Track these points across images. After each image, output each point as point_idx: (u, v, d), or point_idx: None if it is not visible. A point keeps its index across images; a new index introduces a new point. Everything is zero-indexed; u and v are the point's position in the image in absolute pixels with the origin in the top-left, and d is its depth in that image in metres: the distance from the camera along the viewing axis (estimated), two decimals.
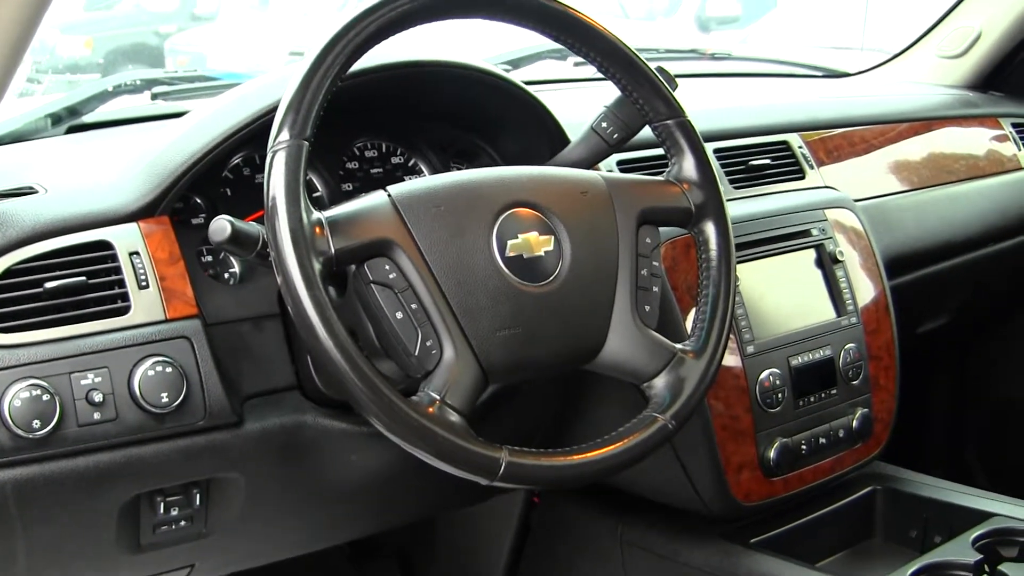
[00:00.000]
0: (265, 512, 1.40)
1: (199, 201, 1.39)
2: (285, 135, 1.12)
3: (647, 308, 1.27)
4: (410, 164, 1.57)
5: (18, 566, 1.28)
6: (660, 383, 1.26)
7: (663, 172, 1.36)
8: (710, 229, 1.34)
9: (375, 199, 1.18)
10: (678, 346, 1.28)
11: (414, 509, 1.67)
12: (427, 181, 1.23)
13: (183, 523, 1.34)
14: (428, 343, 1.15)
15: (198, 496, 1.33)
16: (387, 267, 1.15)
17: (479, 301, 1.18)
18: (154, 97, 1.85)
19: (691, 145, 1.34)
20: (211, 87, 1.91)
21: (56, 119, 1.76)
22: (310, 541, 1.57)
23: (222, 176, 1.42)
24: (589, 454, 1.19)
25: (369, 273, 1.15)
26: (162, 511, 1.31)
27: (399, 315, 1.15)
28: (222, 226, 1.15)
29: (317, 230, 1.12)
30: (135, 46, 8.64)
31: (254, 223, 1.18)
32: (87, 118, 1.78)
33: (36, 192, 1.33)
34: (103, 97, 1.83)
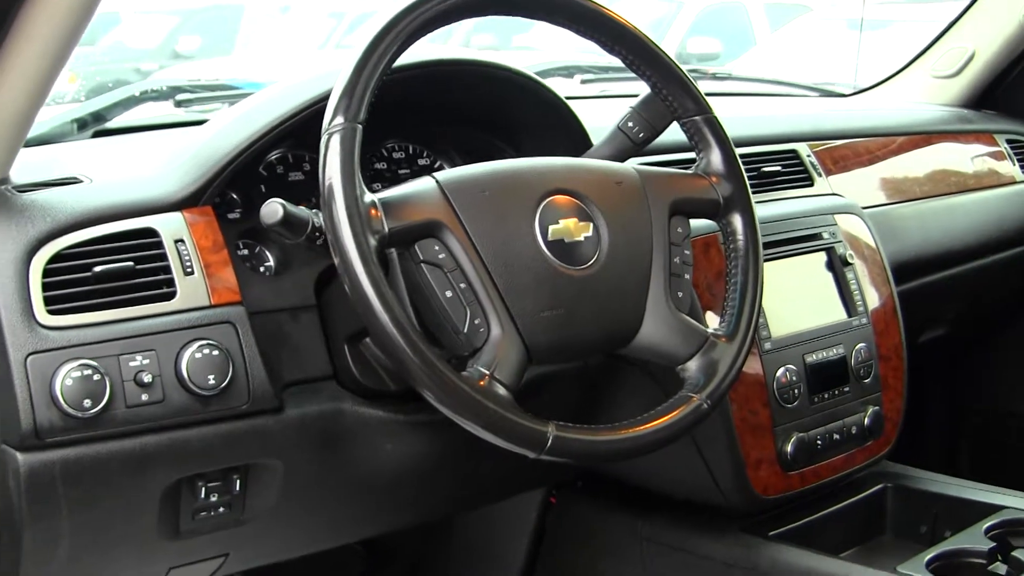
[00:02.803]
0: (300, 501, 1.43)
1: (235, 196, 1.43)
2: (340, 119, 1.16)
3: (680, 294, 1.32)
4: (435, 166, 1.62)
5: (60, 549, 1.29)
6: (694, 366, 1.30)
7: (691, 166, 1.41)
8: (737, 220, 1.38)
9: (424, 183, 1.23)
10: (710, 330, 1.33)
11: (443, 503, 1.69)
12: (471, 168, 1.27)
13: (221, 509, 1.36)
14: (476, 321, 1.19)
15: (238, 482, 1.35)
16: (436, 248, 1.19)
17: (524, 282, 1.21)
18: (177, 104, 1.89)
19: (718, 140, 1.39)
20: (232, 95, 1.96)
21: (82, 124, 1.80)
22: (341, 533, 1.59)
23: (258, 172, 1.46)
24: (630, 430, 1.23)
25: (420, 253, 1.19)
26: (203, 496, 1.33)
27: (449, 294, 1.19)
28: (274, 209, 1.19)
29: (372, 211, 1.16)
30: (117, 82, 8.69)
31: (303, 208, 1.22)
32: (112, 123, 1.82)
33: (81, 182, 1.36)
34: (129, 103, 1.88)
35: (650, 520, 1.74)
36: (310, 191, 1.42)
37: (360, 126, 1.17)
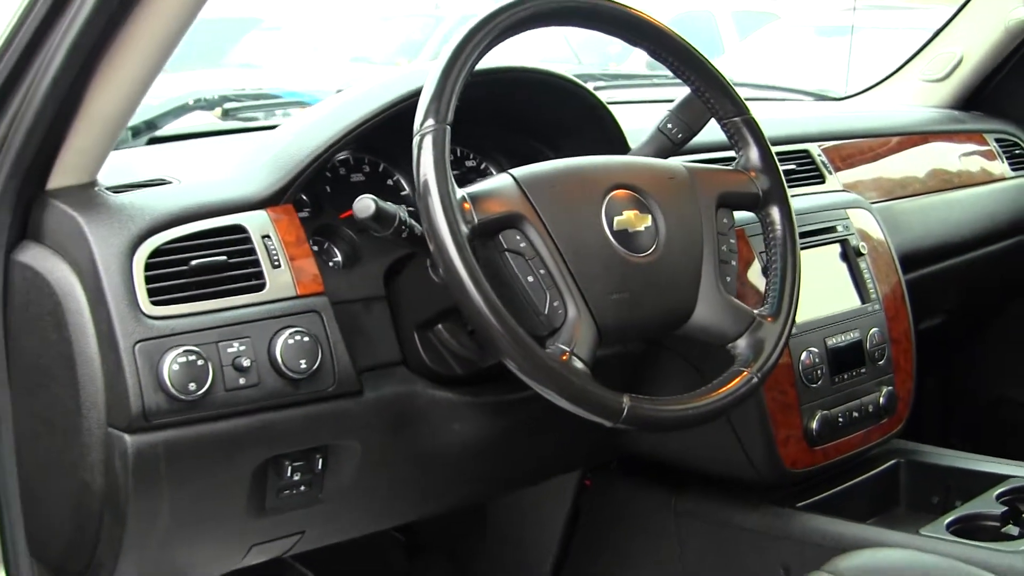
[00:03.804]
0: (374, 480, 1.53)
1: (304, 196, 1.53)
2: (431, 121, 1.27)
3: (728, 279, 1.44)
4: (481, 167, 1.73)
5: (159, 525, 1.39)
6: (743, 343, 1.42)
7: (732, 163, 1.53)
8: (776, 211, 1.50)
9: (502, 180, 1.34)
10: (756, 311, 1.45)
11: (497, 482, 1.80)
12: (543, 166, 1.38)
13: (302, 488, 1.46)
14: (555, 304, 1.30)
15: (320, 461, 1.45)
16: (518, 237, 1.30)
17: (594, 269, 1.33)
18: (224, 112, 1.99)
19: (756, 139, 1.51)
20: (274, 104, 2.07)
21: (136, 131, 1.88)
22: (406, 511, 1.70)
23: (324, 174, 1.56)
24: (693, 402, 1.35)
25: (503, 242, 1.30)
26: (288, 474, 1.43)
27: (530, 279, 1.30)
28: (367, 204, 1.30)
29: (464, 204, 1.27)
30: None
31: (391, 204, 1.33)
32: (164, 131, 1.92)
33: (170, 183, 1.46)
34: (179, 112, 1.97)
35: (685, 496, 1.86)
36: (369, 191, 1.53)
37: (448, 127, 1.28)
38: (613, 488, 1.99)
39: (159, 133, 1.90)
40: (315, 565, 2.04)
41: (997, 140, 2.56)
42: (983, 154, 2.52)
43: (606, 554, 2.01)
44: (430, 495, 1.68)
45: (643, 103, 2.26)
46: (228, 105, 1.99)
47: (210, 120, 2.01)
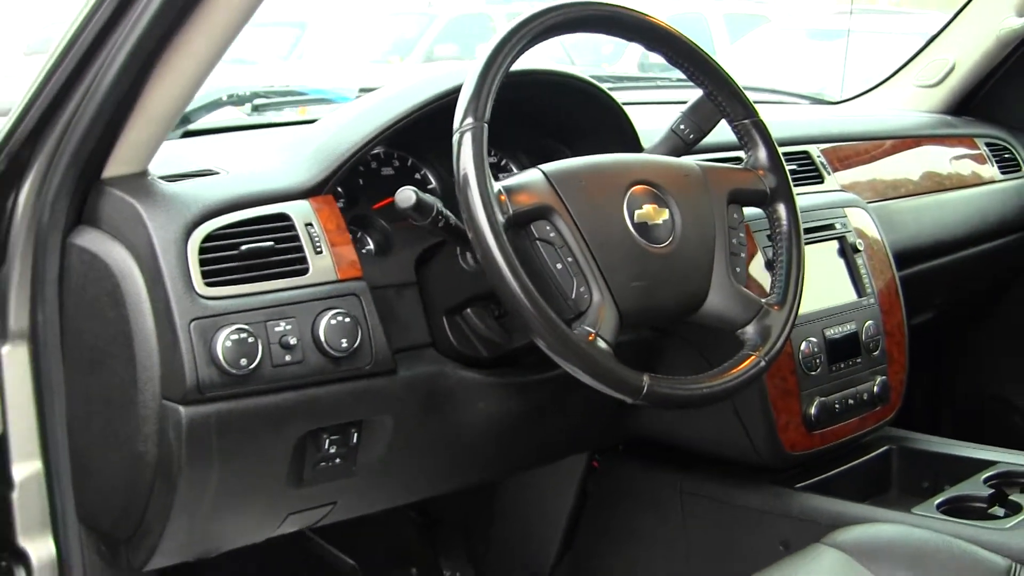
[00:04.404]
0: (403, 455, 1.63)
1: (339, 188, 1.63)
2: (470, 119, 1.37)
3: (738, 270, 1.54)
4: (502, 163, 1.83)
5: (207, 493, 1.48)
6: (751, 329, 1.53)
7: (742, 162, 1.64)
8: (782, 208, 1.61)
9: (533, 174, 1.44)
10: (764, 300, 1.55)
11: (516, 460, 1.90)
12: (570, 162, 1.49)
13: (337, 461, 1.55)
14: (581, 289, 1.40)
15: (355, 435, 1.55)
16: (548, 228, 1.41)
17: (617, 258, 1.43)
18: (254, 108, 2.09)
19: (764, 140, 1.62)
20: (301, 100, 2.16)
21: None
22: (432, 485, 1.80)
23: (357, 168, 1.66)
24: (707, 382, 1.46)
25: (535, 232, 1.40)
26: (325, 447, 1.53)
27: (559, 266, 1.40)
28: (408, 195, 1.40)
29: (501, 196, 1.37)
30: None
31: (429, 195, 1.43)
32: (197, 125, 2.01)
33: (218, 174, 1.56)
34: (212, 107, 2.06)
35: (690, 476, 1.97)
36: (399, 184, 1.63)
37: (486, 124, 1.38)
38: (620, 469, 2.09)
39: (192, 127, 1.99)
40: (334, 542, 2.15)
41: (987, 144, 2.69)
42: (974, 158, 2.64)
43: (613, 531, 2.11)
44: (452, 471, 1.78)
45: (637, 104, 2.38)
46: (258, 101, 2.08)
47: (238, 115, 2.10)
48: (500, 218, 1.35)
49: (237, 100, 2.08)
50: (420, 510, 2.26)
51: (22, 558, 1.60)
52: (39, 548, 1.60)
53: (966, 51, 2.70)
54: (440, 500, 2.16)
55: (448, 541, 2.28)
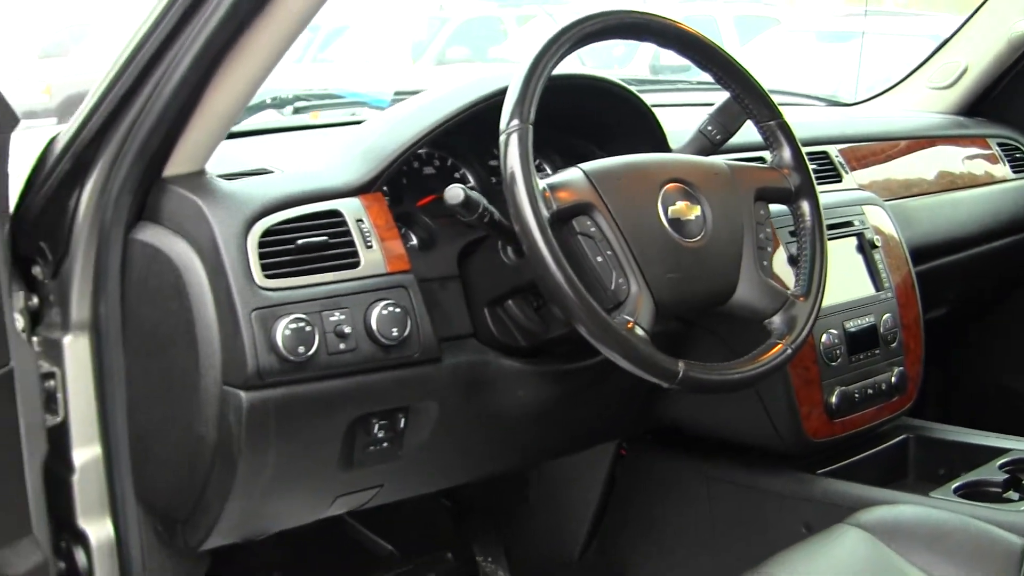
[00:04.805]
0: (447, 439, 1.71)
1: (384, 187, 1.72)
2: (516, 121, 1.46)
3: (764, 263, 1.63)
4: (537, 163, 1.91)
5: (264, 475, 1.56)
6: (778, 319, 1.61)
7: (767, 161, 1.72)
8: (806, 205, 1.69)
9: (574, 173, 1.52)
10: (789, 291, 1.64)
11: (549, 446, 1.99)
12: (607, 161, 1.57)
13: (385, 444, 1.64)
14: (620, 280, 1.49)
15: (402, 420, 1.63)
16: (588, 223, 1.49)
17: (652, 251, 1.52)
18: (296, 110, 2.18)
19: (788, 140, 1.70)
20: (338, 103, 2.25)
21: None
22: (472, 470, 1.89)
23: (402, 168, 1.75)
24: (737, 368, 1.54)
25: (576, 226, 1.49)
26: (374, 431, 1.61)
27: (599, 259, 1.48)
28: (457, 192, 1.48)
29: (546, 193, 1.45)
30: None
31: (476, 192, 1.51)
32: (241, 126, 2.09)
33: (273, 172, 1.65)
34: (255, 109, 2.15)
35: (715, 463, 2.06)
36: (439, 182, 1.72)
37: (531, 126, 1.46)
38: (647, 457, 2.18)
39: (237, 128, 2.07)
40: (372, 529, 2.23)
41: (999, 144, 2.77)
42: (986, 157, 2.73)
43: (640, 517, 2.20)
44: (491, 456, 1.87)
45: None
46: (299, 104, 2.18)
47: (278, 116, 2.19)
48: (545, 213, 1.43)
49: (279, 103, 2.17)
50: (453, 498, 2.34)
51: (81, 539, 1.68)
52: (98, 529, 1.68)
53: (978, 54, 2.78)
54: (472, 488, 2.25)
55: (480, 528, 2.36)
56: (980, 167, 2.69)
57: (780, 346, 1.59)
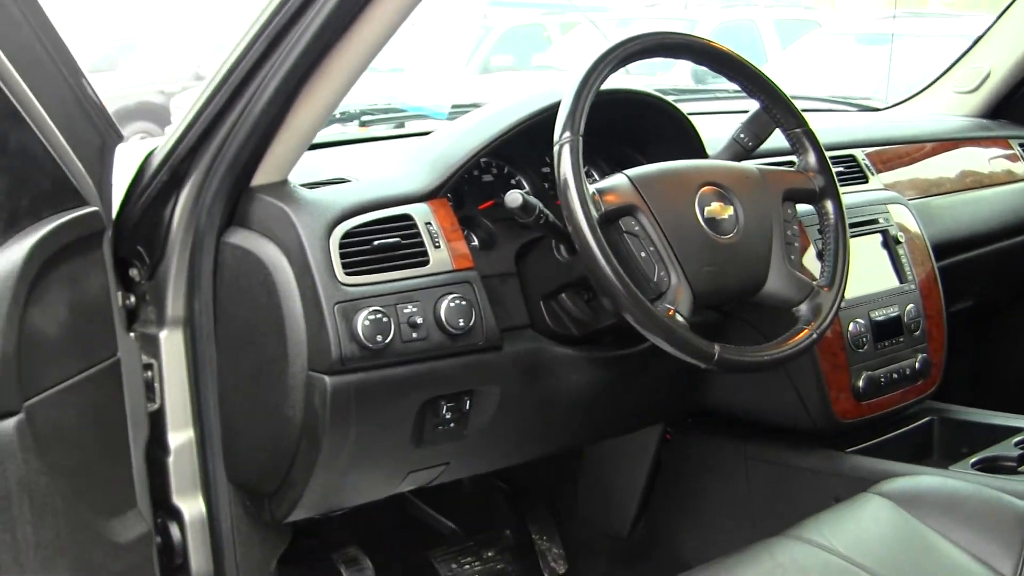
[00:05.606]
0: (507, 420, 1.88)
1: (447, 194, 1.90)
2: (568, 133, 1.63)
3: (792, 257, 1.80)
4: (585, 170, 2.09)
5: (345, 452, 1.74)
6: (804, 307, 1.78)
7: (794, 165, 1.89)
8: (829, 204, 1.86)
9: (619, 178, 1.70)
10: (815, 282, 1.80)
11: (600, 427, 2.17)
12: (648, 168, 1.74)
13: (452, 425, 1.81)
14: (661, 273, 1.66)
15: (468, 402, 1.81)
16: (633, 223, 1.67)
17: (690, 247, 1.69)
18: (362, 124, 2.36)
19: (813, 145, 1.86)
20: (402, 116, 2.43)
21: None
22: (530, 449, 2.06)
23: (463, 175, 1.93)
24: (767, 351, 1.71)
25: (622, 226, 1.67)
26: (443, 413, 1.79)
27: (643, 255, 1.66)
28: (516, 197, 1.67)
29: (595, 196, 1.63)
30: (140, 104, 9.14)
31: (532, 196, 1.70)
32: (317, 138, 2.28)
33: (349, 181, 1.84)
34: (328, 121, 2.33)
35: (752, 444, 2.22)
36: (497, 188, 1.90)
37: (581, 138, 1.64)
38: (690, 440, 2.35)
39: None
40: (435, 509, 2.42)
41: (1021, 145, 2.92)
42: (1008, 157, 2.88)
43: (684, 496, 2.37)
44: (547, 436, 2.05)
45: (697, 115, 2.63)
46: (365, 117, 2.36)
47: (344, 129, 2.37)
48: (595, 215, 1.61)
49: (347, 117, 2.35)
50: (508, 480, 2.52)
51: (176, 515, 1.86)
52: (191, 506, 1.86)
53: (1001, 59, 2.91)
54: (526, 470, 2.42)
55: (534, 508, 2.54)
56: (1002, 166, 2.84)
57: (806, 331, 1.76)
